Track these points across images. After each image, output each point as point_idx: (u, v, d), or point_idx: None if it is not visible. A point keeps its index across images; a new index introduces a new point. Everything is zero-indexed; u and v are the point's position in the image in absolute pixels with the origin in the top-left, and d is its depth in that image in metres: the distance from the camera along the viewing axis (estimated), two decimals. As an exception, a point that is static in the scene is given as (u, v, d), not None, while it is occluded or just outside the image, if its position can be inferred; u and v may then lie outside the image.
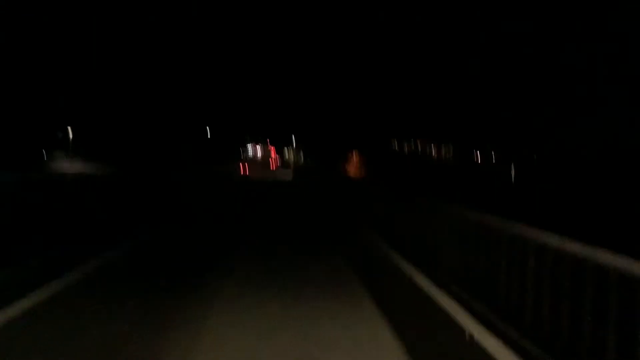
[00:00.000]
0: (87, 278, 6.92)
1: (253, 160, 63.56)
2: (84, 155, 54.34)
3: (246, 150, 70.24)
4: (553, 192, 41.74)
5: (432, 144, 71.30)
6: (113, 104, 60.13)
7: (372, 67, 62.93)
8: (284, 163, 67.82)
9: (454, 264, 6.45)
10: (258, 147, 71.42)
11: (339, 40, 65.33)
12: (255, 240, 11.52)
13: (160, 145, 61.38)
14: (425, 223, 8.02)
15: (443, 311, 5.41)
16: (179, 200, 20.99)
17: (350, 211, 16.80)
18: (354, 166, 57.08)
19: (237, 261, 8.31)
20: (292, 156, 68.39)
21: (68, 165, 48.10)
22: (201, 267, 7.95)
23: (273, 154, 75.37)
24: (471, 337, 4.92)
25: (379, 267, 8.42)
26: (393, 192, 11.50)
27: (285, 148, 72.22)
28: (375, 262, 8.79)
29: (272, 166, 66.00)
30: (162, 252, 9.57)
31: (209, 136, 67.78)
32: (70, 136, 58.89)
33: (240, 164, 53.56)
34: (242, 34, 71.19)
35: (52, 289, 6.11)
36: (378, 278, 7.24)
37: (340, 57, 65.39)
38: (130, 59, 59.94)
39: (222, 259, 8.48)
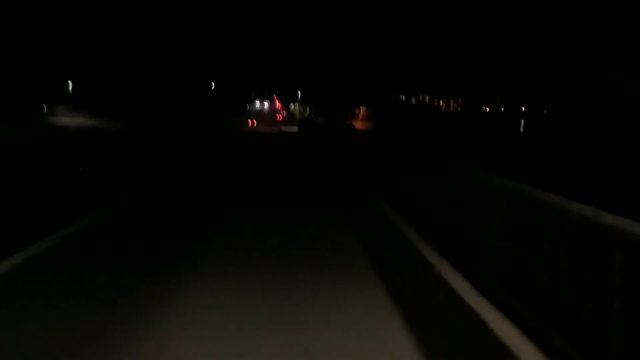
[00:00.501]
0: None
1: (260, 115, 64.92)
2: (86, 109, 54.29)
3: (253, 105, 70.44)
4: (558, 143, 41.70)
5: (441, 99, 70.66)
6: (116, 58, 59.90)
7: (380, 22, 61.90)
8: (290, 117, 67.87)
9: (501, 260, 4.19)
10: (265, 102, 71.57)
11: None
12: (262, 187, 11.46)
13: (165, 99, 61.36)
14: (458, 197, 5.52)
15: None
16: (189, 152, 20.90)
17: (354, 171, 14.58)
18: (361, 119, 56.89)
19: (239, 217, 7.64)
20: (297, 111, 68.09)
21: (69, 120, 48.17)
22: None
23: (279, 108, 75.59)
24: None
25: (392, 251, 5.85)
26: (412, 155, 8.67)
27: (292, 104, 71.98)
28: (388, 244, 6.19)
29: (279, 120, 66.64)
30: (170, 202, 9.28)
31: (213, 89, 67.29)
32: (70, 89, 59.43)
33: (249, 119, 58.51)
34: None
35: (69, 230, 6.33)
36: (395, 269, 5.00)
37: (348, 11, 64.23)
38: (135, 12, 59.29)
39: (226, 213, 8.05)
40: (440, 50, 61.23)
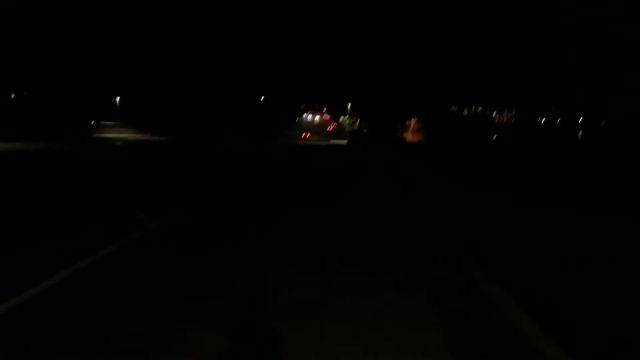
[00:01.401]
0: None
1: (311, 127, 66.30)
2: (135, 123, 55.35)
3: (304, 118, 71.24)
4: (616, 152, 39.91)
5: (494, 109, 69.07)
6: (163, 71, 61.20)
7: (433, 34, 61.28)
8: (340, 129, 68.06)
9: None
10: (316, 115, 72.30)
11: (399, 10, 63.82)
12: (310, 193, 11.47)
13: (215, 112, 62.37)
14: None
15: None
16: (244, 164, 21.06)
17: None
18: (411, 131, 56.28)
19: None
20: (347, 123, 68.14)
21: (117, 134, 48.96)
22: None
23: (328, 119, 76.06)
24: None
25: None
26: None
27: (341, 116, 72.13)
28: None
29: (329, 130, 67.29)
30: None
31: (263, 104, 68.17)
32: (118, 105, 60.59)
33: (303, 131, 61.13)
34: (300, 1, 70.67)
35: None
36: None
37: (400, 23, 63.94)
38: (183, 26, 60.75)
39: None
40: (494, 60, 59.99)
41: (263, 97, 69.26)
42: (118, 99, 61.82)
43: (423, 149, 32.38)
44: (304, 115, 70.28)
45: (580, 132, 64.00)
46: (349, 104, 62.46)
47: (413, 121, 58.19)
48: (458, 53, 61.75)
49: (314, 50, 65.13)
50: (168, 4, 60.76)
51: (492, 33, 65.32)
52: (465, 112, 67.36)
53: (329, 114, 73.75)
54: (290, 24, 68.13)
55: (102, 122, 54.96)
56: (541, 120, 67.12)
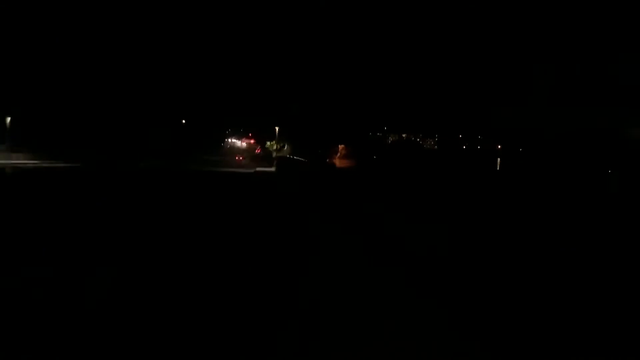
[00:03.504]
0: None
1: (240, 151, 65.08)
2: (30, 145, 47.26)
3: (229, 142, 69.44)
4: (531, 178, 41.80)
5: (417, 136, 70.61)
6: (68, 89, 55.52)
7: (359, 65, 61.95)
8: (265, 153, 66.76)
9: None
10: (242, 141, 70.83)
11: (326, 37, 64.01)
12: None
13: (125, 134, 57.54)
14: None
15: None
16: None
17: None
18: (339, 157, 55.94)
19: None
20: (274, 148, 66.98)
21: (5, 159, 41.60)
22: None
23: (253, 143, 74.69)
24: None
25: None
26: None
27: (267, 141, 70.94)
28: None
29: (257, 152, 66.21)
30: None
31: (184, 127, 65.14)
32: (8, 126, 52.15)
33: (237, 155, 60.75)
34: (226, 22, 69.19)
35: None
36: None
37: (328, 53, 64.05)
38: (93, 37, 56.75)
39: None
40: (419, 87, 61.39)
41: (184, 120, 66.56)
42: (8, 119, 53.62)
43: (358, 177, 31.53)
44: (230, 139, 68.47)
45: (498, 159, 66.47)
46: (277, 128, 61.36)
47: (341, 147, 57.97)
48: (381, 78, 62.66)
49: (239, 74, 63.74)
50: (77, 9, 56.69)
51: (410, 59, 66.87)
52: (391, 138, 68.41)
53: (254, 139, 72.44)
54: (213, 46, 66.42)
55: None
56: (463, 146, 69.30)
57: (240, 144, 69.95)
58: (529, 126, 66.92)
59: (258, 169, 49.16)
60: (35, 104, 54.87)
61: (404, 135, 69.21)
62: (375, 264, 7.90)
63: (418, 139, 70.00)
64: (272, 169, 47.76)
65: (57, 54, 56.12)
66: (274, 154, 63.45)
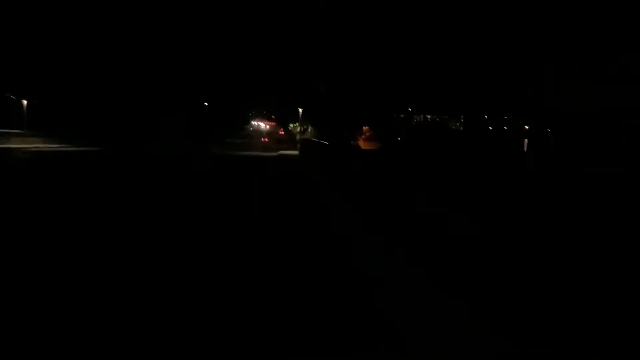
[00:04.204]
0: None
1: (262, 134, 65.21)
2: (45, 129, 46.86)
3: (252, 125, 69.45)
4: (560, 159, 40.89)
5: (441, 117, 69.56)
6: (88, 71, 54.84)
7: (383, 42, 60.87)
8: (290, 136, 66.62)
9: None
10: (265, 122, 70.76)
11: (348, 19, 62.96)
12: None
13: (149, 117, 57.21)
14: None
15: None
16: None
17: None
18: (364, 140, 55.31)
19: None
20: (297, 131, 66.70)
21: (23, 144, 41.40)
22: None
23: (275, 125, 74.67)
24: None
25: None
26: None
27: (291, 124, 70.69)
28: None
29: (281, 134, 66.19)
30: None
31: (207, 109, 64.96)
32: (25, 110, 51.64)
33: (262, 138, 61.12)
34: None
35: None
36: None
37: (351, 33, 63.06)
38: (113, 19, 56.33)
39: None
40: (444, 67, 60.20)
41: (206, 103, 66.50)
42: (25, 102, 52.57)
43: (385, 160, 30.73)
44: (254, 122, 68.41)
45: (526, 140, 65.16)
46: (300, 110, 60.92)
47: (365, 129, 57.31)
48: (407, 58, 61.60)
49: (263, 55, 63.23)
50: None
51: (438, 39, 65.60)
52: (416, 119, 67.53)
53: (276, 121, 72.29)
54: (237, 27, 65.87)
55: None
56: (489, 127, 68.12)
57: (264, 126, 69.98)
58: (558, 105, 65.47)
59: (281, 151, 48.69)
60: (51, 89, 54.60)
61: (428, 117, 68.23)
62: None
63: (443, 120, 68.98)
64: (296, 152, 47.24)
65: (75, 38, 55.90)
66: (298, 137, 63.13)
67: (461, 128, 67.73)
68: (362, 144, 54.12)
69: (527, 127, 67.53)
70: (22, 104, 52.17)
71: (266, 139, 60.42)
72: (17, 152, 33.44)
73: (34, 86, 52.86)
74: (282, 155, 43.79)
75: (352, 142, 52.48)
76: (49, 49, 54.07)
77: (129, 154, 36.19)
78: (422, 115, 68.54)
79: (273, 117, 70.74)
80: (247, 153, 44.60)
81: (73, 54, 55.33)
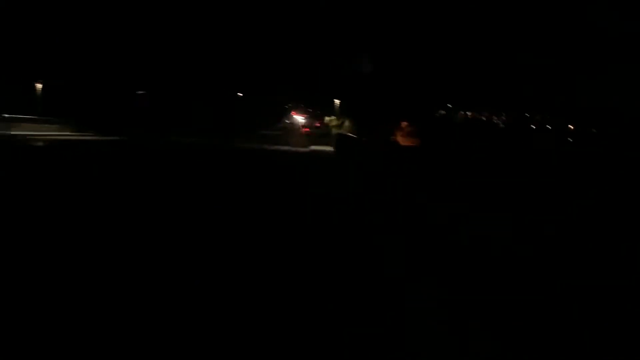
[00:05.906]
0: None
1: (299, 126, 65.11)
2: (61, 115, 43.67)
3: (289, 118, 69.17)
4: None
5: (483, 113, 67.92)
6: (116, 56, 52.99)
7: (424, 38, 59.77)
8: (326, 131, 65.81)
9: None
10: (301, 115, 70.39)
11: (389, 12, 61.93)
12: None
13: (179, 108, 55.79)
14: None
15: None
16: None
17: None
18: (403, 135, 54.18)
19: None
20: (334, 124, 65.89)
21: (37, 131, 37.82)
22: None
23: (309, 117, 74.16)
24: None
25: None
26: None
27: (326, 117, 69.96)
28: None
29: (317, 125, 65.71)
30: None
31: (242, 101, 64.28)
32: (39, 94, 47.54)
33: (302, 128, 63.05)
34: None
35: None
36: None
37: (390, 28, 62.01)
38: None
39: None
40: (487, 64, 58.74)
41: (241, 93, 65.92)
42: (40, 86, 47.38)
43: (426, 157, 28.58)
44: (292, 114, 68.13)
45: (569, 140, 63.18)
46: (338, 102, 60.01)
47: (404, 124, 56.14)
48: (448, 54, 60.37)
49: (301, 48, 62.69)
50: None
51: (482, 37, 64.01)
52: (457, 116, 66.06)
53: (313, 115, 71.87)
54: (275, 21, 65.42)
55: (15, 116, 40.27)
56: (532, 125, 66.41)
57: (301, 119, 69.74)
58: (606, 105, 63.14)
59: (313, 147, 45.16)
60: (69, 72, 52.11)
61: (468, 113, 66.61)
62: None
63: (485, 117, 67.27)
64: (330, 147, 42.11)
65: (99, 20, 54.62)
66: (333, 131, 62.16)
67: (501, 125, 66.01)
68: (401, 140, 53.06)
69: (570, 126, 65.53)
70: (35, 88, 47.36)
71: (304, 131, 59.90)
72: (22, 141, 28.96)
73: (50, 68, 49.38)
74: (313, 151, 39.78)
75: (390, 137, 51.55)
76: (69, 30, 52.67)
77: (139, 145, 33.67)
78: (463, 112, 67.05)
79: (310, 110, 70.24)
80: (276, 147, 41.29)
81: (96, 37, 53.61)
